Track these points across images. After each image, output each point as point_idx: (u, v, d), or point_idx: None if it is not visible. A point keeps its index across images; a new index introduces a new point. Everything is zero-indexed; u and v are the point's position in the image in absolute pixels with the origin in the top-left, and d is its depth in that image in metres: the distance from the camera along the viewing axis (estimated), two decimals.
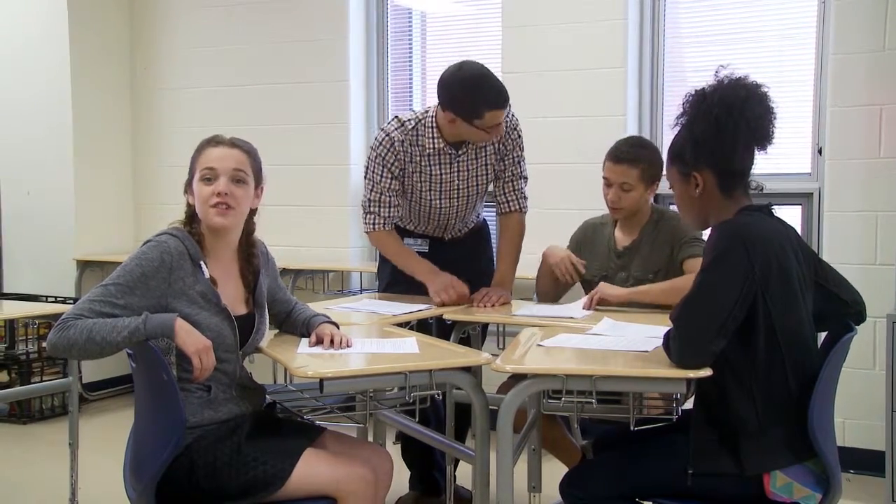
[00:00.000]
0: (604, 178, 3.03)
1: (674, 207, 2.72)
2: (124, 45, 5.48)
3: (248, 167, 2.29)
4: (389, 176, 3.12)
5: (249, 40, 5.14)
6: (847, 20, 3.74)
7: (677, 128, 2.21)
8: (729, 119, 2.08)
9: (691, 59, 4.33)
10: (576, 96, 4.29)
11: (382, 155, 3.10)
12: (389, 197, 3.14)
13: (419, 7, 4.99)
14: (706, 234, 2.25)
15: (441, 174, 3.16)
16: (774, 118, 2.13)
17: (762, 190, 2.23)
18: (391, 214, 3.17)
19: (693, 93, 2.17)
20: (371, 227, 3.19)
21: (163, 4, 5.40)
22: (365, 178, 3.18)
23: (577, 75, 4.28)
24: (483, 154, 3.18)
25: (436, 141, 3.09)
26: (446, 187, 3.19)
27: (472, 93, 2.95)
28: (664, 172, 2.35)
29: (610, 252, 3.12)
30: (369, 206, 3.17)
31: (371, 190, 3.15)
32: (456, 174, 3.18)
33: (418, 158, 3.12)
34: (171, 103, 5.42)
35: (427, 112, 3.11)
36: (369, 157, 3.15)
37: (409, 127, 3.10)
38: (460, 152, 3.14)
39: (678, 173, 2.19)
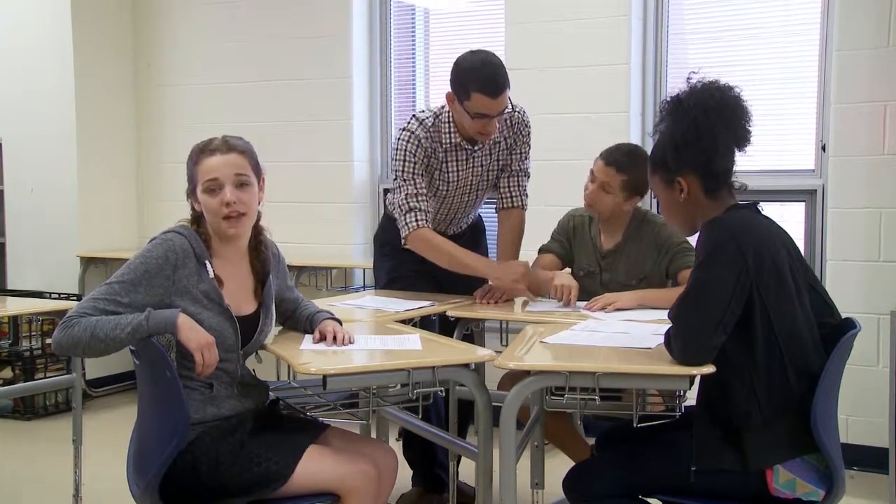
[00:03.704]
0: (590, 171, 3.06)
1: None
2: (127, 43, 5.48)
3: (249, 168, 2.28)
4: (421, 171, 3.11)
5: (252, 37, 5.13)
6: (851, 16, 3.72)
7: (656, 136, 2.24)
8: (707, 121, 2.11)
9: (695, 56, 4.31)
10: (579, 93, 4.28)
11: (412, 151, 3.09)
12: (425, 190, 3.13)
13: (422, 3, 4.99)
14: (692, 239, 2.25)
15: (458, 171, 3.17)
16: (750, 118, 2.17)
17: (746, 188, 2.24)
18: (430, 209, 3.15)
19: (668, 100, 2.21)
20: (416, 223, 3.08)
21: (166, 1, 5.40)
22: (396, 179, 3.13)
23: (581, 72, 4.28)
24: (497, 149, 3.21)
25: (453, 136, 3.10)
26: (462, 183, 3.20)
27: (466, 71, 2.98)
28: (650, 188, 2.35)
29: (595, 251, 3.13)
30: (409, 204, 3.09)
31: (408, 184, 3.09)
32: (471, 170, 3.19)
33: (441, 155, 3.13)
34: (175, 100, 5.42)
35: (444, 108, 3.12)
36: (396, 159, 3.12)
37: (429, 124, 3.11)
38: (476, 148, 3.15)
39: (662, 181, 2.21)
